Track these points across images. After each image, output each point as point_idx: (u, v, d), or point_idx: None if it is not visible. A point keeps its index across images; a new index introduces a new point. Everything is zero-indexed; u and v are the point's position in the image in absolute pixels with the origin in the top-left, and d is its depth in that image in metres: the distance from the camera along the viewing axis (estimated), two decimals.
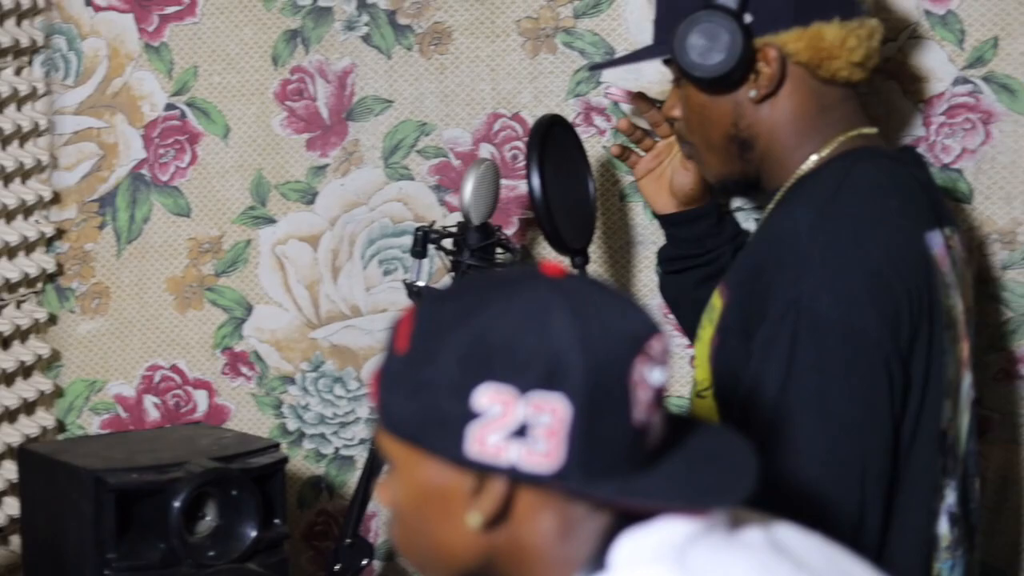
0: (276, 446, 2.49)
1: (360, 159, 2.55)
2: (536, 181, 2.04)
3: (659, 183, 2.20)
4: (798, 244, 1.73)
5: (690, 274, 2.23)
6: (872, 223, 1.75)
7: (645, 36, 2.37)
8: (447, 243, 2.16)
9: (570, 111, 2.45)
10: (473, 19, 2.47)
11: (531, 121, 2.46)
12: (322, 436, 2.62)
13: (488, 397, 1.24)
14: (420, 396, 1.26)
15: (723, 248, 2.21)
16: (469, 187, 2.08)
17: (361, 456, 2.61)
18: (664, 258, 2.28)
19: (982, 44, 2.29)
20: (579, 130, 2.43)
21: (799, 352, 1.70)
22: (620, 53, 2.42)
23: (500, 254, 2.17)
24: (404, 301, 2.54)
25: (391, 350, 1.30)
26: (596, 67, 2.11)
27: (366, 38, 2.52)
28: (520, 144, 2.48)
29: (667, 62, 1.97)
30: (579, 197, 2.16)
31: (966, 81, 2.30)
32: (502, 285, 1.29)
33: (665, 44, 1.88)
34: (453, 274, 2.12)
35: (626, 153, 2.24)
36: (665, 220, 2.23)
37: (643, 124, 2.23)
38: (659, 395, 1.28)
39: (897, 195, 1.80)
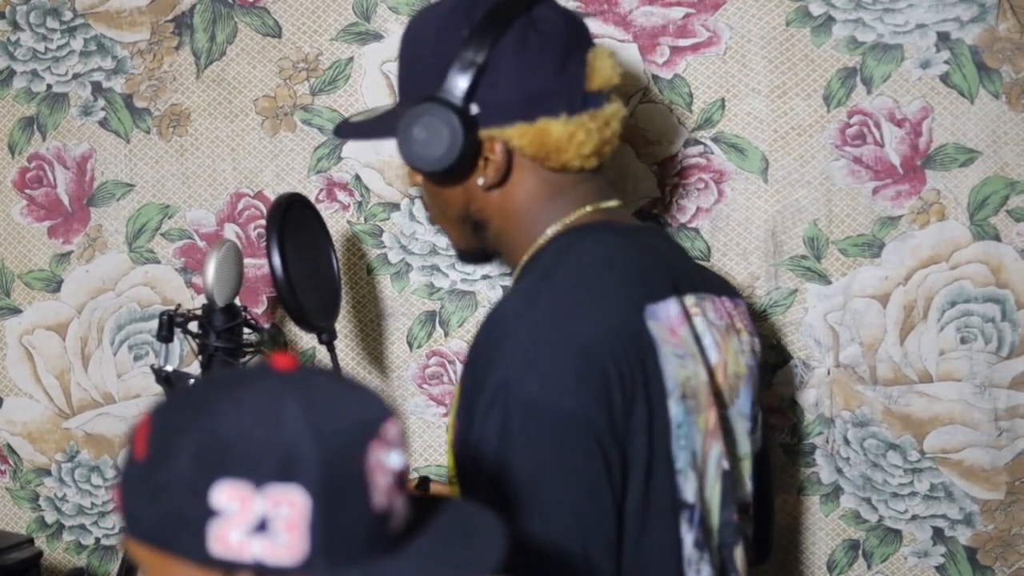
0: (30, 541, 2.44)
1: (104, 244, 2.50)
2: (277, 260, 2.00)
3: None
4: (508, 324, 1.71)
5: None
6: (582, 300, 1.72)
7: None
8: (193, 326, 2.12)
9: (313, 187, 2.43)
10: (210, 100, 2.44)
11: (274, 198, 2.43)
12: (82, 527, 2.56)
13: (225, 494, 1.22)
14: (160, 499, 1.24)
15: None
16: (211, 269, 2.04)
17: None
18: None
19: (710, 105, 2.30)
20: (322, 206, 2.42)
21: (511, 436, 1.67)
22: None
23: (248, 334, 2.13)
24: (157, 386, 2.50)
25: (130, 456, 1.28)
26: (337, 131, 2.06)
27: (103, 123, 2.47)
28: (264, 223, 2.45)
29: None
30: (323, 274, 2.13)
31: (697, 142, 2.31)
32: (232, 383, 1.28)
33: (388, 125, 1.85)
34: (201, 357, 2.08)
35: None
36: None
37: None
38: (399, 478, 1.28)
39: (617, 268, 1.77)
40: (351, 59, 2.40)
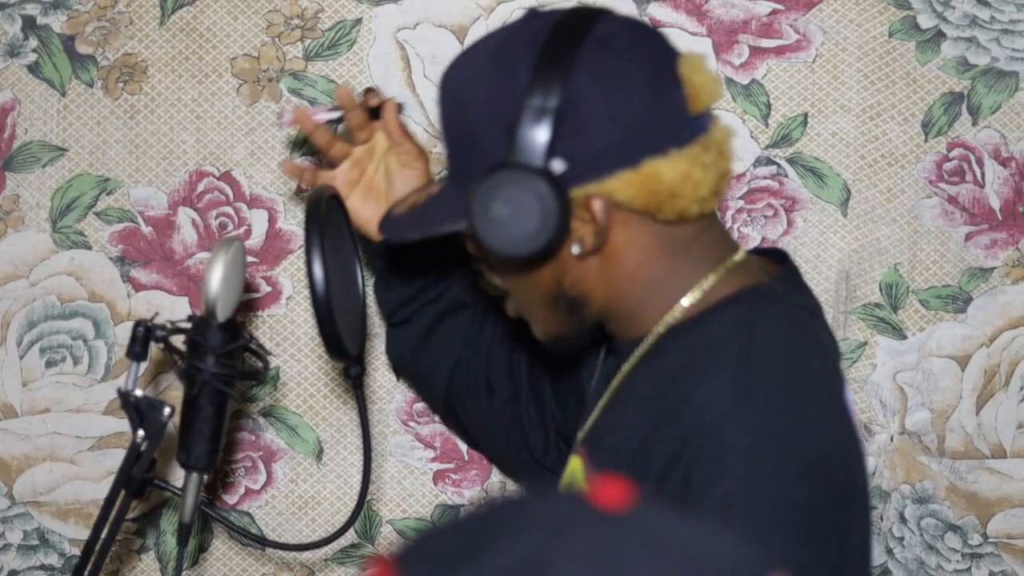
0: None
1: (20, 220, 2.00)
2: (319, 273, 1.56)
3: (372, 198, 1.78)
4: (716, 435, 1.34)
5: (424, 315, 1.86)
6: (799, 405, 1.39)
7: (393, 87, 1.97)
8: (178, 341, 1.66)
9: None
10: (175, 53, 1.97)
11: (245, 182, 1.99)
12: None
13: None
14: None
15: (452, 288, 1.86)
16: (217, 273, 1.57)
17: None
18: (393, 306, 1.87)
19: (789, 120, 1.97)
20: (307, 197, 1.99)
21: None
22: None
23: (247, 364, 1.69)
24: (72, 399, 2.03)
25: None
26: (385, 229, 1.63)
27: (33, 68, 1.97)
28: (230, 211, 2.00)
29: None
30: (351, 291, 1.70)
31: (770, 162, 1.97)
32: (546, 529, 0.84)
33: (457, 210, 1.45)
34: (186, 383, 1.62)
35: (305, 172, 1.81)
36: (391, 249, 1.82)
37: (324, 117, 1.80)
38: None
39: (813, 353, 1.45)
40: (359, 21, 1.97)
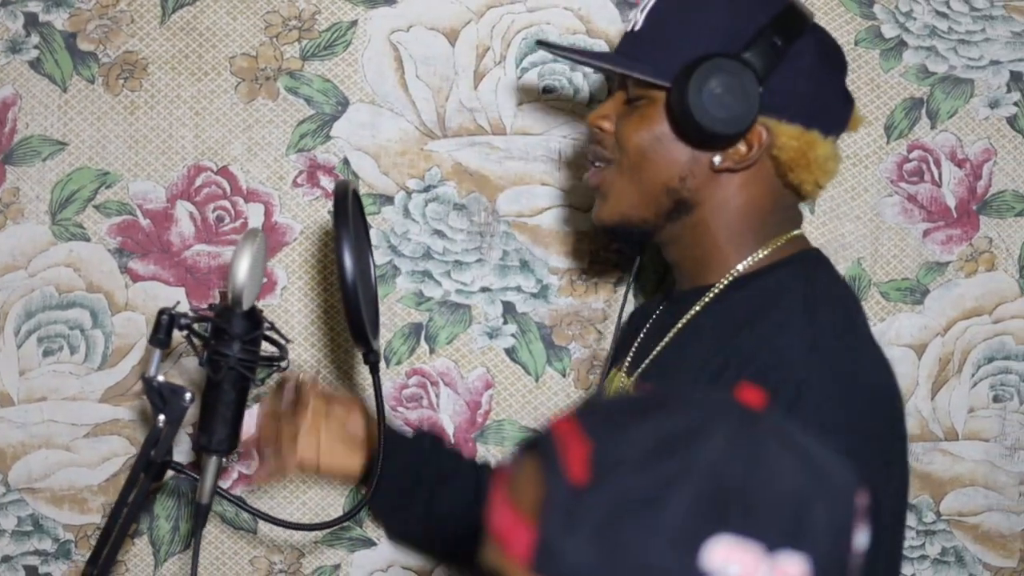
0: None
1: (20, 212, 2.05)
2: (348, 264, 1.66)
3: (341, 449, 1.90)
4: (795, 374, 1.50)
5: (415, 508, 1.95)
6: (860, 349, 1.59)
7: (386, 87, 2.04)
8: (200, 329, 1.72)
9: (291, 168, 2.06)
10: (175, 52, 2.03)
11: (242, 176, 2.06)
12: None
13: (723, 554, 0.93)
14: (623, 545, 0.94)
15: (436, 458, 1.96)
16: (244, 264, 1.64)
17: (6, 574, 2.11)
18: (382, 511, 2.00)
19: None
20: (300, 191, 2.07)
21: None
22: (355, 103, 2.05)
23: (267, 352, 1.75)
24: (69, 388, 2.08)
25: (556, 476, 0.97)
26: (544, 45, 1.76)
27: (35, 64, 2.02)
28: (227, 204, 2.06)
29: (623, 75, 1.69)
30: (367, 278, 1.79)
31: None
32: (702, 408, 1.00)
33: (662, 68, 1.61)
34: (210, 368, 1.68)
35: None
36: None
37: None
38: (863, 560, 1.03)
39: (858, 306, 1.67)
40: (354, 23, 2.04)
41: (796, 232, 1.69)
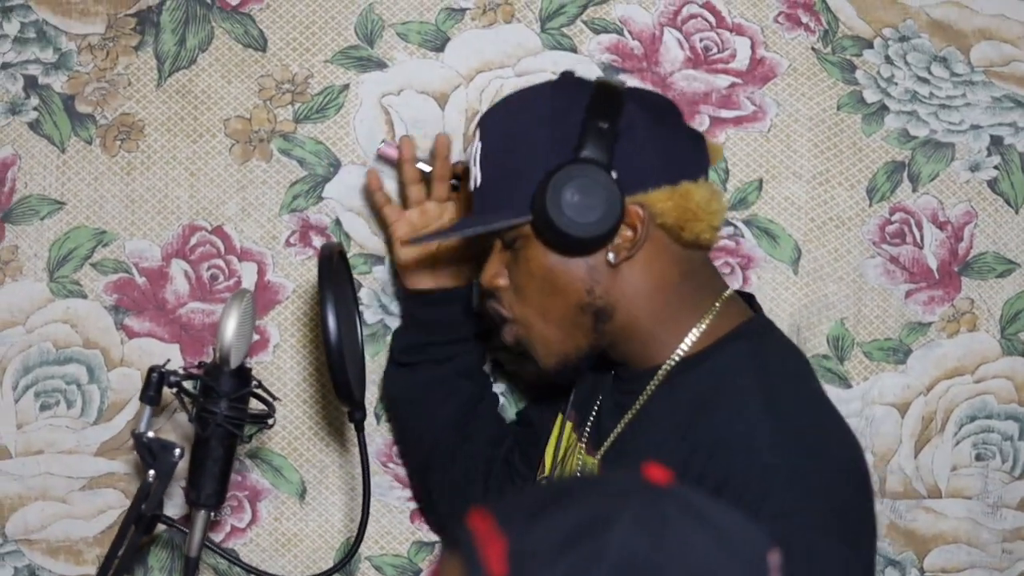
0: None
1: (18, 270, 2.09)
2: (332, 324, 1.71)
3: (419, 250, 1.95)
4: (759, 467, 1.53)
5: (422, 371, 1.99)
6: (822, 426, 1.61)
7: (375, 146, 2.09)
8: (188, 386, 1.77)
9: (284, 228, 2.10)
10: (171, 114, 2.08)
11: (236, 236, 2.11)
12: None
13: None
14: None
15: (465, 344, 1.99)
16: (232, 323, 1.69)
17: None
18: (401, 346, 2.01)
19: (746, 185, 2.12)
20: (292, 250, 2.11)
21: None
22: (347, 164, 2.09)
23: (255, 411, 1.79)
24: (65, 441, 2.12)
25: (477, 574, 1.01)
26: (416, 241, 1.81)
27: (34, 125, 2.07)
28: (221, 263, 2.11)
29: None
30: (354, 338, 1.83)
31: (728, 223, 2.12)
32: (608, 493, 1.03)
33: (513, 207, 1.64)
34: (198, 425, 1.73)
35: (381, 196, 2.00)
36: (416, 299, 1.97)
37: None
38: None
39: (812, 374, 1.69)
40: (346, 86, 2.09)
41: (727, 294, 1.70)
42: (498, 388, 2.13)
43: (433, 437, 2.00)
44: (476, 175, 1.69)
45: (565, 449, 1.82)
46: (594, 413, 1.78)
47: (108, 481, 2.13)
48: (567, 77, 1.74)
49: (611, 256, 1.62)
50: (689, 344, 1.65)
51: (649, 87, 2.05)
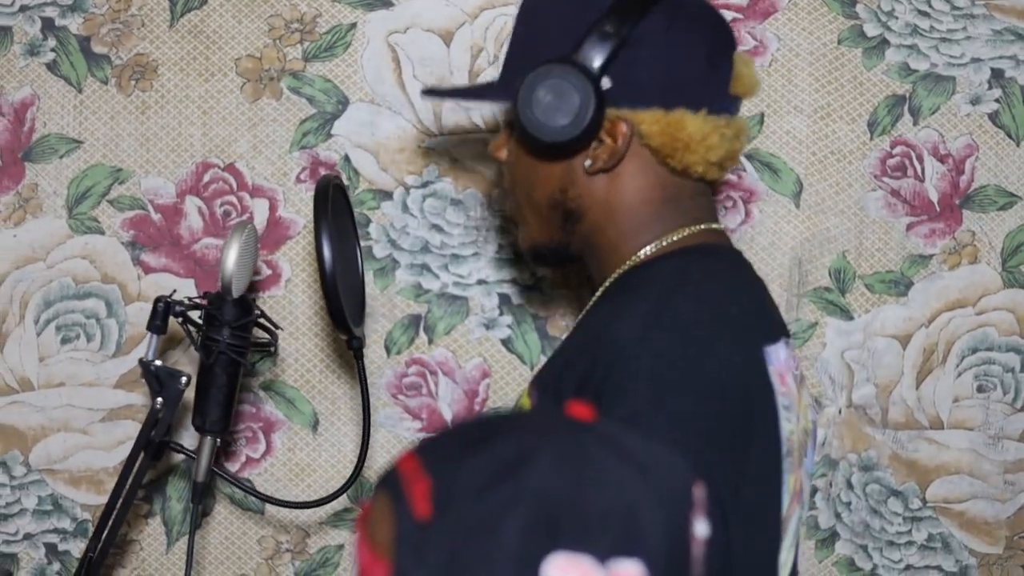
0: None
1: (38, 207, 2.16)
2: (328, 254, 1.74)
3: None
4: (624, 355, 1.49)
5: None
6: (707, 337, 1.52)
7: (385, 86, 2.13)
8: (194, 316, 1.83)
9: (294, 164, 2.15)
10: (183, 54, 2.14)
11: (247, 173, 2.15)
12: None
13: (560, 572, 0.99)
14: (468, 571, 1.00)
15: None
16: (232, 254, 1.75)
17: (27, 553, 2.22)
18: None
19: (747, 120, 2.14)
20: (303, 186, 2.16)
21: None
22: (355, 102, 2.14)
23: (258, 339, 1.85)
24: (85, 374, 2.18)
25: (404, 515, 1.03)
26: (429, 93, 1.80)
27: (52, 66, 2.13)
28: (233, 199, 2.16)
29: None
30: (352, 271, 1.87)
31: None
32: (531, 431, 1.04)
33: (507, 89, 1.61)
34: (203, 353, 1.78)
35: None
36: None
37: None
38: (706, 548, 1.07)
39: (737, 303, 1.59)
40: (354, 25, 2.14)
41: (704, 226, 1.64)
42: (505, 321, 2.18)
43: None
44: (505, 45, 1.68)
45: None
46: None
47: (127, 413, 2.20)
48: None
49: (587, 163, 1.59)
50: (641, 256, 1.61)
51: None
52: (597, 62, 1.54)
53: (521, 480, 1.00)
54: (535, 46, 1.59)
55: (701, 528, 1.05)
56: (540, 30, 1.60)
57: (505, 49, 1.66)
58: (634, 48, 1.54)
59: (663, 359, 1.48)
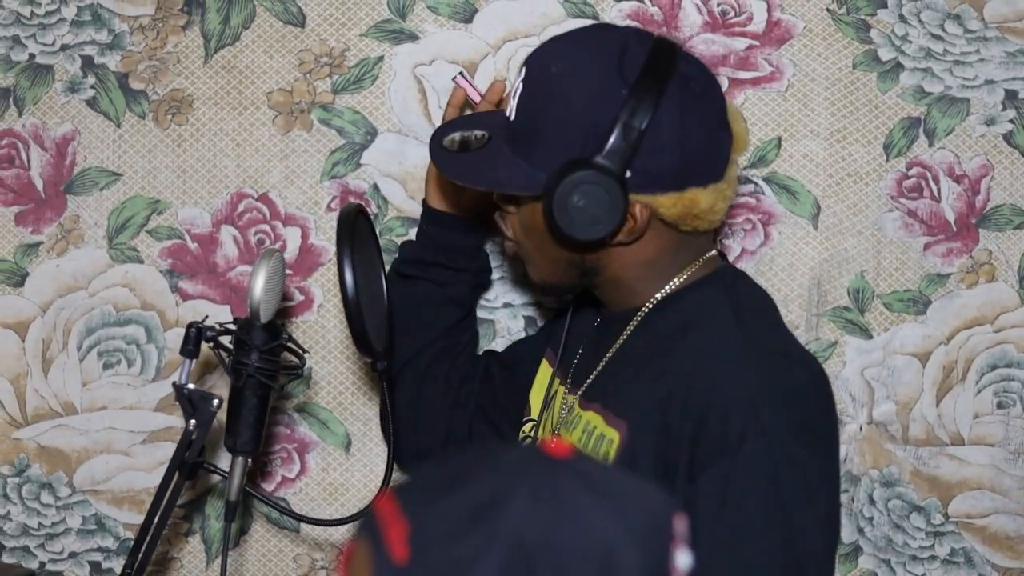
0: None
1: (80, 237, 2.24)
2: (349, 278, 1.82)
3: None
4: (740, 374, 1.66)
5: (420, 286, 2.08)
6: (791, 346, 1.77)
7: (411, 117, 2.20)
8: (225, 341, 1.90)
9: (325, 194, 2.23)
10: (217, 88, 2.22)
11: (280, 202, 2.23)
12: (25, 549, 2.30)
13: None
14: None
15: (467, 275, 2.09)
16: (260, 280, 1.82)
17: (72, 571, 2.31)
18: (407, 257, 2.11)
19: (765, 143, 2.20)
20: (334, 215, 2.23)
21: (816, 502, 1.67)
22: (383, 132, 2.21)
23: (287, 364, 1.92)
24: (127, 398, 2.26)
25: (381, 557, 1.06)
26: (440, 164, 1.88)
27: (92, 102, 2.22)
28: (267, 228, 2.24)
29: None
30: (376, 293, 1.94)
31: (748, 180, 2.20)
32: (505, 472, 1.07)
33: (523, 174, 1.71)
34: (233, 376, 1.86)
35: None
36: (431, 216, 2.07)
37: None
38: None
39: (777, 311, 1.81)
40: (381, 58, 2.21)
41: (710, 253, 1.79)
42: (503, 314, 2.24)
43: (413, 351, 2.08)
44: (512, 107, 1.75)
45: (552, 392, 1.92)
46: (577, 357, 1.88)
47: (167, 435, 2.27)
48: (620, 38, 1.72)
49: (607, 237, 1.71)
50: (665, 291, 1.76)
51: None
52: (620, 159, 1.65)
53: (497, 520, 1.03)
54: (559, 133, 1.69)
55: (683, 560, 1.08)
56: (561, 121, 1.69)
57: (515, 108, 1.74)
58: (655, 137, 1.66)
59: (773, 377, 1.67)
